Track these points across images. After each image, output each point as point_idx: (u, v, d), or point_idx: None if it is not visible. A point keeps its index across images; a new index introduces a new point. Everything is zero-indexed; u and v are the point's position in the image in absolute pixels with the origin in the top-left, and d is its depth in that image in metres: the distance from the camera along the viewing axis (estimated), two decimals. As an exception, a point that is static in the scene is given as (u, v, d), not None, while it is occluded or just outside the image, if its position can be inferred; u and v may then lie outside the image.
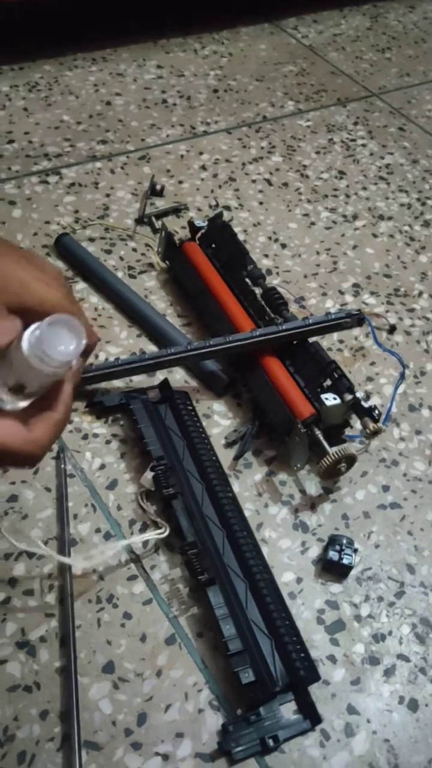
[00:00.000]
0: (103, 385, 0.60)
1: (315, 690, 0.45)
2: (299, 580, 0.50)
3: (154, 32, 1.10)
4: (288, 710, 0.44)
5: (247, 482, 0.55)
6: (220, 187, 0.83)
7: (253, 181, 0.85)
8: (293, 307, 0.69)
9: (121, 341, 0.64)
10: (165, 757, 0.41)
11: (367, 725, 0.44)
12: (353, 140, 0.94)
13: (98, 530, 0.51)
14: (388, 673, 0.46)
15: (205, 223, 0.69)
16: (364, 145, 0.93)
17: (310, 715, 0.43)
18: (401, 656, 0.47)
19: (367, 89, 1.05)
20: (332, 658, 0.47)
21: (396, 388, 0.62)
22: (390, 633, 0.48)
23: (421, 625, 0.49)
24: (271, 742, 0.42)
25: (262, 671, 0.43)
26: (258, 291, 0.64)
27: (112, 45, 1.06)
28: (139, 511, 0.52)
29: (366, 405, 0.53)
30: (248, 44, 1.12)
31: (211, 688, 0.44)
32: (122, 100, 0.95)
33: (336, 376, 0.55)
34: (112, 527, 0.51)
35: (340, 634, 0.48)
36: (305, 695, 0.44)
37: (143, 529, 0.51)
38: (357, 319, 0.59)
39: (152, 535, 0.49)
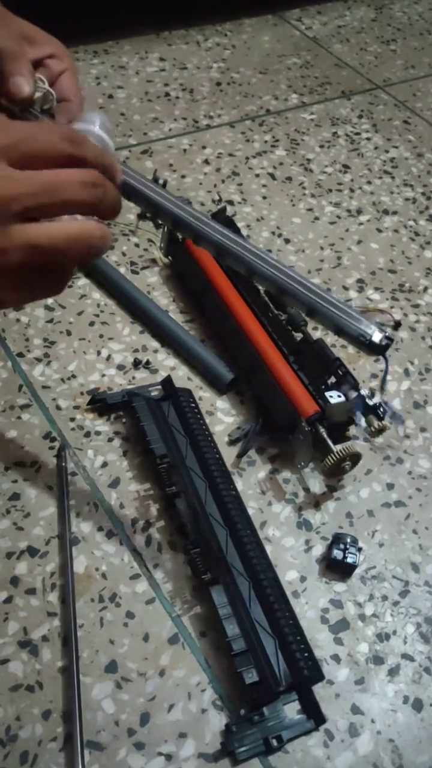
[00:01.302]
0: (106, 383, 0.60)
1: (319, 690, 0.44)
2: (303, 579, 0.50)
3: (157, 24, 1.09)
4: (292, 710, 0.43)
5: (250, 480, 0.55)
6: (223, 181, 0.82)
7: (257, 176, 0.84)
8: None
9: (124, 338, 0.63)
10: (168, 757, 0.41)
11: (371, 725, 0.44)
12: (357, 134, 0.93)
13: (100, 529, 0.50)
14: (393, 672, 0.46)
15: (208, 219, 0.68)
16: (368, 139, 0.92)
17: (314, 715, 0.43)
18: (406, 656, 0.47)
19: (371, 82, 1.04)
20: (336, 658, 0.46)
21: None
22: (394, 632, 0.48)
23: (425, 624, 0.48)
24: (274, 742, 0.41)
25: (265, 671, 0.43)
26: (261, 288, 0.63)
27: (114, 37, 1.05)
28: (142, 510, 0.52)
29: (371, 403, 0.53)
30: (251, 36, 1.11)
31: (214, 687, 0.44)
32: (124, 93, 0.95)
33: (341, 373, 0.54)
34: (114, 526, 0.51)
35: (344, 633, 0.47)
36: (309, 695, 0.44)
37: (146, 528, 0.51)
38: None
39: None
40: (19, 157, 0.28)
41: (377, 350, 0.32)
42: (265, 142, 0.90)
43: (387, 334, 0.32)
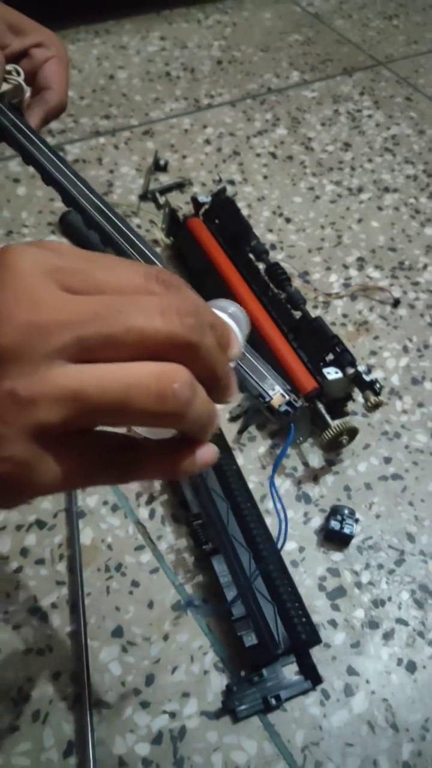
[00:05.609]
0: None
1: (316, 653, 0.46)
2: (302, 549, 0.51)
3: (157, 3, 1.08)
4: (290, 671, 0.45)
5: (251, 455, 0.56)
6: (224, 161, 0.83)
7: (258, 155, 0.84)
8: (297, 282, 0.69)
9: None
10: (172, 714, 0.43)
11: (366, 686, 0.46)
12: (359, 111, 0.93)
13: (105, 502, 0.52)
14: (387, 636, 0.48)
15: (209, 199, 0.69)
16: (370, 116, 0.92)
17: (311, 676, 0.45)
18: (400, 620, 0.49)
19: (373, 58, 1.03)
20: (333, 623, 0.48)
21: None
22: (389, 599, 0.50)
23: (420, 591, 0.50)
24: (273, 701, 0.44)
25: (264, 635, 0.45)
26: (261, 266, 0.64)
27: (115, 17, 1.05)
28: (145, 484, 0.54)
29: (367, 378, 0.54)
30: (252, 13, 1.10)
31: (216, 650, 0.46)
32: (125, 73, 0.95)
33: (338, 350, 0.56)
34: (119, 500, 0.52)
35: (340, 599, 0.49)
36: (306, 657, 0.46)
37: (149, 501, 0.53)
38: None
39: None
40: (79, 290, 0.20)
41: (276, 415, 0.27)
42: (266, 120, 0.90)
43: (292, 400, 0.26)
